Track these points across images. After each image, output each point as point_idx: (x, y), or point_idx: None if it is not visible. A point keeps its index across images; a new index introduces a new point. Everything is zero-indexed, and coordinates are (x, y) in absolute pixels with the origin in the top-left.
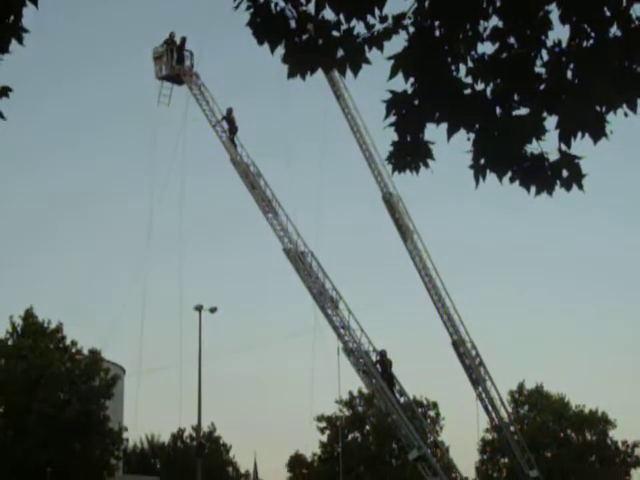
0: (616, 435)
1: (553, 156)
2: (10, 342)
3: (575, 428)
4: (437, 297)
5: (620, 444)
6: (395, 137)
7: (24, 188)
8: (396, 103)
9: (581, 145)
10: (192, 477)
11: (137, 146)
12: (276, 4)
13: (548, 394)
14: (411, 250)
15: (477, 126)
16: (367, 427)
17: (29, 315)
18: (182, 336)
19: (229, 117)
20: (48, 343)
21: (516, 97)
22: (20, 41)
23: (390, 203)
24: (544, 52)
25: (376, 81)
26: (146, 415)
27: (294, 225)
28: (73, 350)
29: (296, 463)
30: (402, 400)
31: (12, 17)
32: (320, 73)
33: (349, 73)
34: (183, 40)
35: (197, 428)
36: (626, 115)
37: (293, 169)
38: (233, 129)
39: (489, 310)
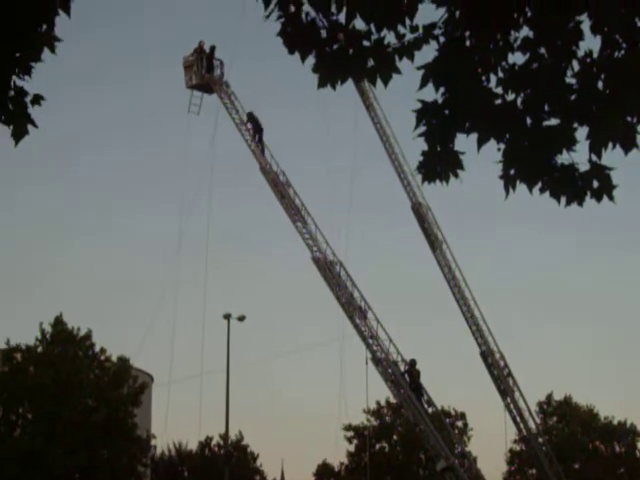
0: None
1: (584, 167)
2: (40, 349)
3: (604, 439)
4: (466, 307)
5: None
6: (425, 147)
7: (55, 194)
8: (426, 113)
9: (612, 156)
10: None
11: (168, 154)
12: (307, 14)
13: (577, 405)
14: (440, 260)
15: (507, 136)
16: (395, 437)
17: (59, 322)
18: (210, 344)
19: (252, 118)
20: (77, 350)
21: (547, 107)
22: (52, 50)
23: (419, 213)
24: (575, 62)
25: (406, 91)
26: (174, 423)
27: (323, 234)
28: (102, 357)
29: (323, 472)
30: (430, 410)
31: (45, 26)
32: (350, 83)
33: (379, 83)
34: (212, 49)
35: (225, 436)
36: None
37: (323, 179)
38: (258, 129)
39: (518, 321)
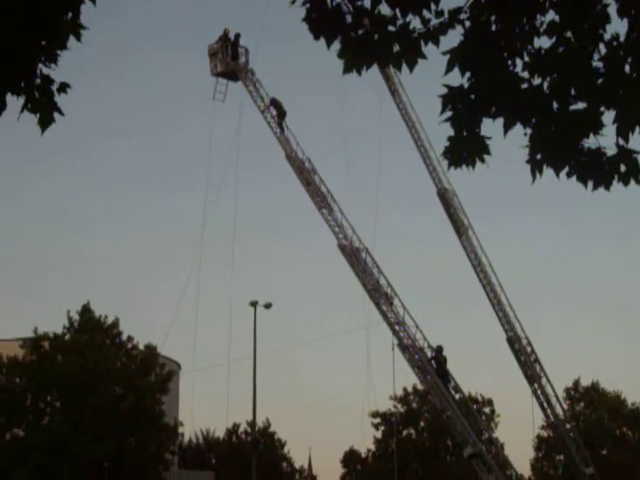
0: None
1: (611, 151)
2: (67, 337)
3: (631, 425)
4: (492, 293)
5: None
6: (451, 132)
7: (81, 181)
8: (452, 98)
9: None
10: (247, 472)
11: (192, 142)
12: None
13: (604, 391)
14: (466, 246)
15: (534, 121)
16: (422, 423)
17: (86, 311)
18: (237, 332)
19: (275, 104)
20: (105, 338)
21: (573, 91)
22: (78, 38)
23: (445, 198)
24: (602, 46)
25: (431, 76)
26: (201, 410)
27: (349, 221)
28: (129, 345)
29: (350, 459)
30: (457, 396)
31: (70, 14)
32: (375, 69)
33: (405, 68)
34: (237, 36)
35: (252, 423)
36: None
37: (348, 166)
38: (282, 113)
39: (545, 307)
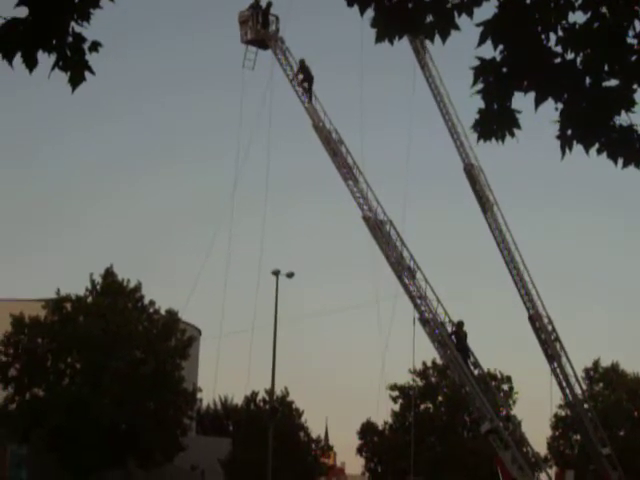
0: None
1: None
2: (89, 300)
3: None
4: (515, 271)
5: None
6: (481, 105)
7: (105, 143)
8: (484, 70)
9: None
10: (264, 440)
11: (222, 109)
12: None
13: (624, 372)
14: (490, 223)
15: (565, 96)
16: (440, 398)
17: (109, 274)
18: (259, 300)
19: (303, 67)
20: (126, 302)
21: (606, 68)
22: None
23: (471, 174)
24: (636, 23)
25: (461, 50)
26: (220, 377)
27: (374, 193)
28: (151, 310)
29: (367, 431)
30: (476, 372)
31: None
32: (404, 41)
33: (437, 40)
34: (269, 4)
35: (270, 392)
36: None
37: (376, 139)
38: (309, 78)
39: (568, 287)
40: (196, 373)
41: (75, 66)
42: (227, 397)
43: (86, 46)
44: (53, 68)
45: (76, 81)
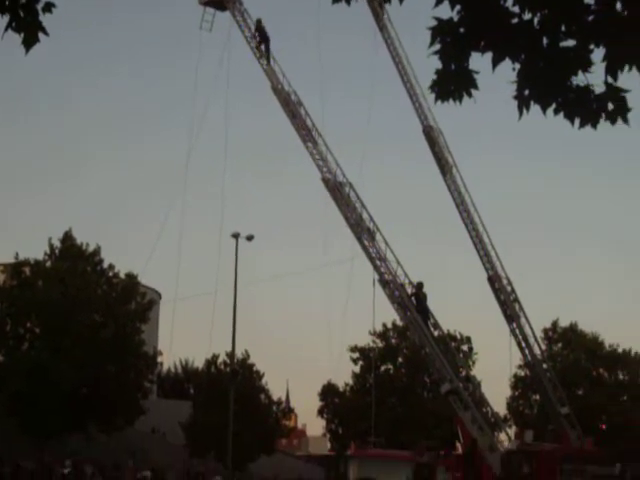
0: None
1: (599, 89)
2: (48, 264)
3: (608, 367)
4: (474, 232)
5: None
6: (439, 66)
7: (67, 113)
8: (441, 31)
9: (628, 78)
10: (225, 403)
11: (178, 72)
12: None
13: (582, 332)
14: (450, 185)
15: (523, 56)
16: (400, 359)
17: (68, 238)
18: (218, 263)
19: (259, 27)
20: (86, 266)
21: (563, 28)
22: None
23: (430, 136)
24: None
25: (420, 11)
26: (181, 341)
27: (333, 155)
28: (110, 274)
29: (328, 392)
30: (436, 333)
31: None
32: (363, 3)
33: (394, 1)
34: None
35: (231, 354)
36: None
37: (334, 103)
38: (265, 38)
39: (527, 247)
40: (156, 336)
41: (28, 27)
42: (187, 360)
43: (39, 7)
44: (6, 29)
45: (30, 42)
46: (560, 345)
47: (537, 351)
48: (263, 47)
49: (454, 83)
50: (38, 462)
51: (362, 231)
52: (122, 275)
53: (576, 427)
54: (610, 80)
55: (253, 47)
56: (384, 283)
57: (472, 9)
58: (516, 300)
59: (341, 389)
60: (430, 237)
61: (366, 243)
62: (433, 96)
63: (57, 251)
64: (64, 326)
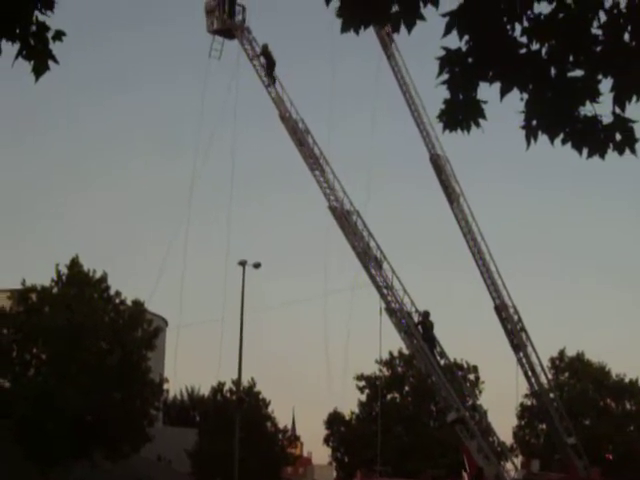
0: None
1: (607, 119)
2: (55, 290)
3: (615, 397)
4: (481, 261)
5: None
6: (447, 96)
7: (73, 136)
8: (450, 61)
9: (636, 109)
10: (231, 430)
11: (187, 100)
12: None
13: (589, 362)
14: (457, 213)
15: (531, 86)
16: (406, 388)
17: (75, 264)
18: (225, 290)
19: (266, 52)
20: (92, 293)
21: (571, 58)
22: None
23: (437, 164)
24: (602, 13)
25: (428, 41)
26: (187, 368)
27: (340, 183)
28: (117, 300)
29: (334, 421)
30: (442, 362)
31: None
32: (371, 32)
33: (403, 30)
34: None
35: (237, 382)
36: None
37: (341, 131)
38: (271, 63)
39: (533, 277)
40: (162, 364)
41: (39, 55)
42: (194, 388)
43: (50, 35)
44: (17, 57)
45: (39, 70)
46: (567, 375)
47: (544, 380)
48: (267, 70)
49: (462, 113)
50: None
51: (369, 260)
52: (129, 302)
53: (583, 457)
54: (618, 110)
55: (262, 75)
56: (391, 311)
57: (480, 39)
58: (523, 329)
59: (347, 417)
60: (437, 265)
61: (373, 272)
62: (441, 125)
63: (64, 277)
64: (70, 353)
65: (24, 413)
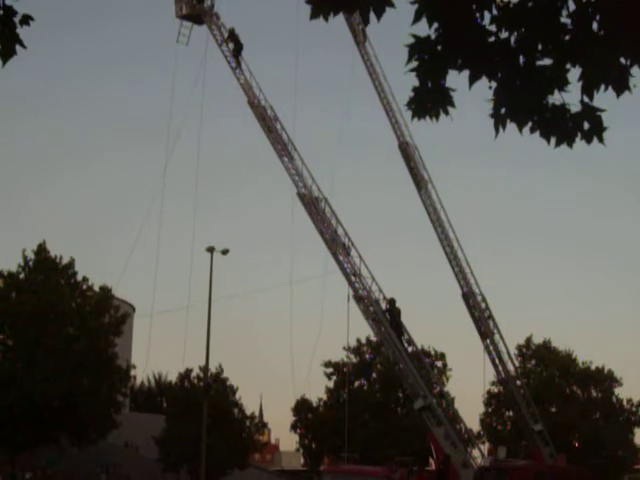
0: (622, 393)
1: (575, 108)
2: (22, 276)
3: (581, 384)
4: (449, 248)
5: (625, 402)
6: (416, 83)
7: (43, 125)
8: (419, 48)
9: (604, 97)
10: (198, 417)
11: (155, 85)
12: None
13: (555, 349)
14: (425, 200)
15: (499, 75)
16: (374, 375)
17: (42, 250)
18: (193, 277)
19: (233, 35)
20: (59, 278)
21: (540, 47)
22: None
23: (406, 152)
24: (570, 2)
25: (398, 28)
26: (155, 354)
27: (309, 170)
28: (84, 286)
29: (301, 407)
30: (410, 349)
31: None
32: (341, 19)
33: (372, 17)
34: None
35: (205, 368)
36: None
37: (310, 118)
38: (238, 47)
39: (501, 265)
40: (130, 350)
41: (6, 39)
42: (161, 374)
43: (17, 19)
44: None
45: (7, 54)
46: (534, 362)
47: (511, 368)
48: (233, 52)
49: (431, 100)
50: (10, 476)
51: (337, 246)
52: (96, 288)
53: (549, 444)
54: (586, 99)
55: (231, 62)
56: (358, 298)
57: (450, 27)
58: (490, 317)
59: (314, 404)
60: (405, 252)
61: (341, 258)
62: (410, 112)
63: (31, 263)
64: (37, 338)
65: None
